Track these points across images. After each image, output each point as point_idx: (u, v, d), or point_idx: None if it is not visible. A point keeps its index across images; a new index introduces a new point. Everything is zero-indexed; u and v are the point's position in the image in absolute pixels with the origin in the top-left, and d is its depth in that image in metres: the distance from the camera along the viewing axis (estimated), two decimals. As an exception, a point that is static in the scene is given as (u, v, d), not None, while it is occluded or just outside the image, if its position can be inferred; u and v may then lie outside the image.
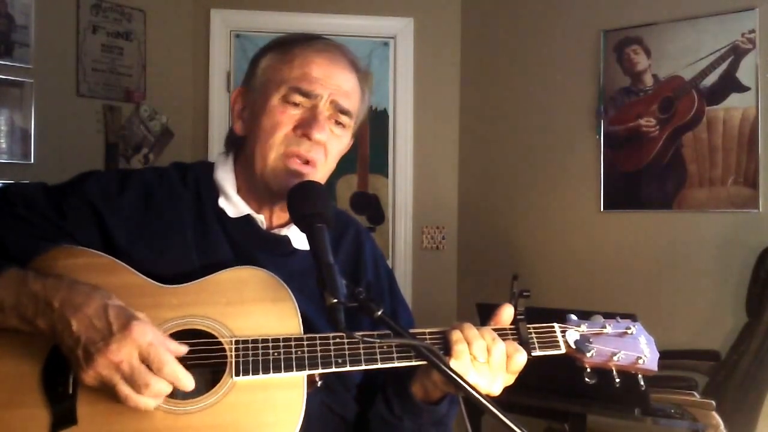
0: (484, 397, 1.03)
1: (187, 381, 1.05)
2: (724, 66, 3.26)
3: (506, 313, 1.22)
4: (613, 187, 3.57)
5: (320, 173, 1.29)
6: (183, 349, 1.07)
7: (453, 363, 1.12)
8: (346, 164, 4.00)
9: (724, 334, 3.13)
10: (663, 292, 3.39)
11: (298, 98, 1.25)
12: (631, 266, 3.50)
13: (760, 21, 3.17)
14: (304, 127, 1.25)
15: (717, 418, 2.56)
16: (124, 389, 1.02)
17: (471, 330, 1.16)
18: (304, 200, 1.17)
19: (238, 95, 1.35)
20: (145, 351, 1.02)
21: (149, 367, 1.03)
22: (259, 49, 1.36)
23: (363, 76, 1.34)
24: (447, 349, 1.14)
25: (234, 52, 3.95)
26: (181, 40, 3.91)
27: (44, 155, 3.28)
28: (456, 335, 1.15)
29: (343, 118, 1.29)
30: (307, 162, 1.26)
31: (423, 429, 1.27)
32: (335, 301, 1.03)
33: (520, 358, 1.16)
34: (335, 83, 1.27)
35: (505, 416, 1.00)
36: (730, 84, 3.25)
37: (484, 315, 2.63)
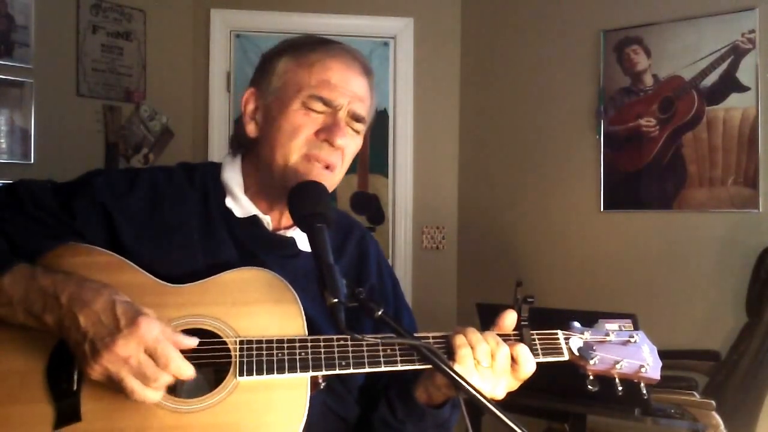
0: (485, 398, 1.04)
1: (189, 375, 1.06)
2: (724, 66, 3.26)
3: (509, 319, 1.22)
4: (613, 187, 3.57)
5: (337, 177, 1.32)
6: (193, 341, 1.08)
7: (456, 367, 1.12)
8: (346, 164, 4.00)
9: (724, 334, 3.13)
10: (663, 292, 3.39)
11: (318, 106, 1.27)
12: (631, 266, 3.50)
13: (760, 21, 3.18)
14: (327, 133, 1.26)
15: (717, 418, 2.56)
16: (131, 383, 1.03)
17: (474, 334, 1.16)
18: (304, 200, 1.18)
19: (249, 96, 1.34)
20: (151, 346, 1.03)
21: (155, 362, 1.04)
22: (271, 49, 1.36)
23: (372, 79, 1.36)
24: (450, 353, 1.15)
25: (234, 52, 3.94)
26: (181, 40, 3.91)
27: (44, 155, 3.28)
28: (459, 339, 1.15)
29: (357, 125, 1.31)
30: (327, 166, 1.28)
31: (425, 430, 1.27)
32: (335, 300, 1.04)
33: (530, 367, 1.17)
34: (352, 90, 1.29)
35: (505, 416, 1.01)
36: (730, 84, 3.25)
37: (484, 315, 2.64)
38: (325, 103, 1.27)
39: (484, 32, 4.05)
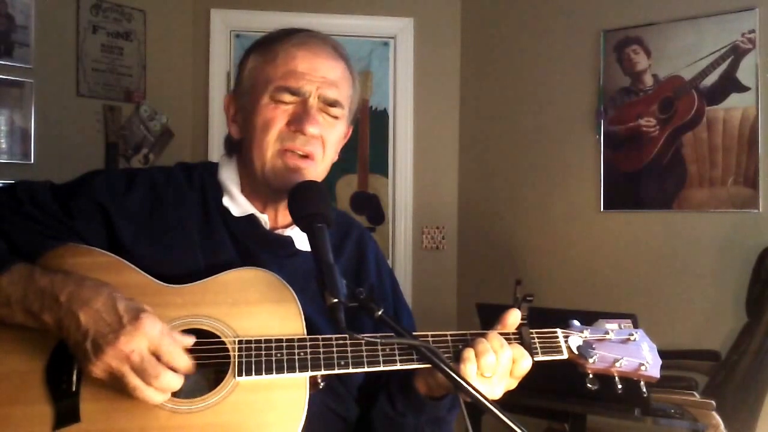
0: (485, 398, 1.04)
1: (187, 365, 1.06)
2: (724, 66, 3.26)
3: (513, 317, 1.22)
4: (613, 187, 3.57)
5: (321, 166, 1.30)
6: (189, 340, 1.08)
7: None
8: (346, 164, 4.01)
9: (724, 334, 3.13)
10: (663, 292, 3.39)
11: (287, 97, 1.26)
12: (631, 266, 3.50)
13: (760, 21, 3.18)
14: (297, 123, 1.25)
15: (717, 418, 2.56)
16: (133, 380, 1.03)
17: (482, 345, 1.15)
18: (304, 200, 1.18)
19: (229, 101, 1.36)
20: (156, 342, 1.03)
21: (159, 358, 1.04)
22: (243, 52, 1.37)
23: (350, 62, 1.34)
24: (457, 360, 1.15)
25: (234, 52, 3.95)
26: (181, 40, 3.91)
27: (44, 155, 3.28)
28: (468, 353, 1.14)
29: (334, 110, 1.29)
30: (305, 156, 1.27)
31: (422, 426, 1.27)
32: (335, 300, 1.04)
33: (525, 364, 1.17)
34: (321, 75, 1.27)
35: (505, 416, 1.01)
36: (730, 84, 3.25)
37: (484, 315, 2.64)
38: (292, 92, 1.26)
39: (484, 32, 4.05)
